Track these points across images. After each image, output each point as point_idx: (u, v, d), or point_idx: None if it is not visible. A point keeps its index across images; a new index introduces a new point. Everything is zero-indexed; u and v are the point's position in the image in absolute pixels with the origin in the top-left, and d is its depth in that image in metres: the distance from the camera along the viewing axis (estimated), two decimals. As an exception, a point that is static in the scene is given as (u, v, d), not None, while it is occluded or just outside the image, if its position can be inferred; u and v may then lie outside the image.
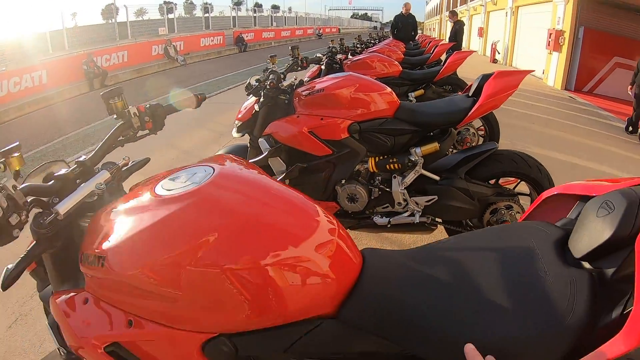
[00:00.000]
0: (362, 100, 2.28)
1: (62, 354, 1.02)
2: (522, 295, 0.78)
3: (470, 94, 2.42)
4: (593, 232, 0.80)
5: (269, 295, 0.75)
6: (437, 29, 34.91)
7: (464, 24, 11.34)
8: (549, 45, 9.85)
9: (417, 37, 10.26)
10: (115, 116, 1.16)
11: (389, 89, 2.40)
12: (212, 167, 0.90)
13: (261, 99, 2.35)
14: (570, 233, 0.88)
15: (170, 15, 21.16)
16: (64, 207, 0.88)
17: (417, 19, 9.24)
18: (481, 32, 17.73)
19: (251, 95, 2.49)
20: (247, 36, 21.67)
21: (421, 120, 2.31)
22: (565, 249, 0.85)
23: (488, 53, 15.61)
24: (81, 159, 1.02)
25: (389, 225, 2.33)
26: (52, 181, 0.95)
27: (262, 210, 0.84)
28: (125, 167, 1.10)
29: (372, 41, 8.29)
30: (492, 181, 2.32)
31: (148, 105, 1.20)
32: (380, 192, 2.34)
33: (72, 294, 0.94)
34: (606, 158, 4.59)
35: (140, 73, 13.42)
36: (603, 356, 0.63)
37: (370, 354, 0.79)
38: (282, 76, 2.44)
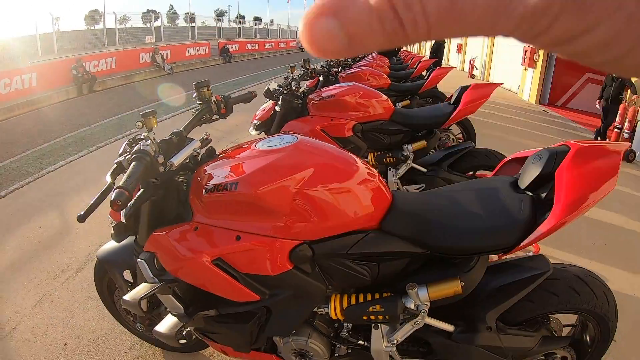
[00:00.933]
0: (364, 105, 2.76)
1: (156, 282, 1.28)
2: (491, 208, 1.26)
3: (451, 102, 2.93)
4: (531, 172, 1.29)
5: (337, 210, 1.18)
6: (416, 45, 35.87)
7: (444, 42, 11.90)
8: (524, 61, 10.38)
9: (399, 53, 10.84)
10: (199, 101, 1.53)
11: (385, 97, 2.88)
12: (295, 136, 1.33)
13: (279, 102, 2.77)
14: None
15: (156, 23, 21.20)
16: (177, 160, 1.24)
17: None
18: (460, 49, 18.38)
19: (268, 99, 2.91)
20: (231, 47, 21.59)
21: (412, 122, 2.80)
22: (516, 186, 1.34)
23: (466, 69, 16.20)
24: (176, 130, 1.39)
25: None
26: (160, 143, 1.30)
27: (333, 159, 1.29)
28: (206, 140, 1.48)
29: (358, 56, 8.77)
30: (470, 173, 2.80)
31: (222, 96, 1.58)
32: None
33: (177, 228, 1.26)
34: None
35: (128, 80, 13.33)
36: (540, 231, 1.10)
37: (402, 253, 1.24)
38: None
